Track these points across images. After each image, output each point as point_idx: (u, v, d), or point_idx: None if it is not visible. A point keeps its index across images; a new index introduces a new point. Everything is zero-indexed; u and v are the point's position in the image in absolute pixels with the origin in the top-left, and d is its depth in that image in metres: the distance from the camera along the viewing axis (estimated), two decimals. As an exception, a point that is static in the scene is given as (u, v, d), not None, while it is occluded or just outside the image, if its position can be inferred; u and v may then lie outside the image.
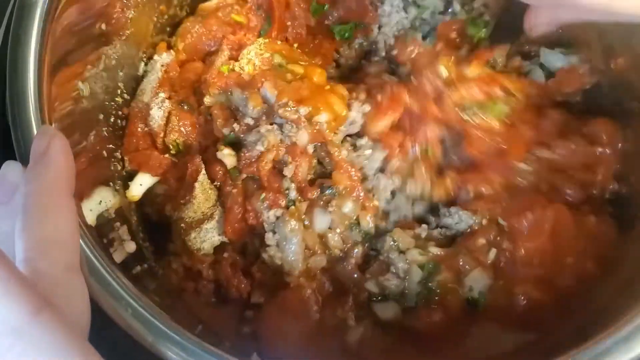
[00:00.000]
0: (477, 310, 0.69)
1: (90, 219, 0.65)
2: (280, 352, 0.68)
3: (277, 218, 0.72)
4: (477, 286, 0.69)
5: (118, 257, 0.66)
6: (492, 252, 0.70)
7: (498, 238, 0.71)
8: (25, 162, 0.52)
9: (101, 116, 0.75)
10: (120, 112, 0.80)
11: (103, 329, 0.49)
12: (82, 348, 0.39)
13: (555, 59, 0.83)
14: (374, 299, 0.72)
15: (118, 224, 0.71)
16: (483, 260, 0.70)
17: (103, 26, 0.73)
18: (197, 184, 0.75)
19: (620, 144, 0.75)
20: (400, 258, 0.71)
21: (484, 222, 0.72)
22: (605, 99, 0.79)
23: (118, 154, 0.79)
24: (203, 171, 0.76)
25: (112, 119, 0.78)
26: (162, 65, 0.83)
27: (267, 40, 0.84)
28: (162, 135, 0.80)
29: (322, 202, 0.73)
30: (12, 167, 0.52)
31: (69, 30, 0.66)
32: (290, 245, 0.71)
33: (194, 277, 0.75)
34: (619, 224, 0.72)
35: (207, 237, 0.75)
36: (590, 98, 0.81)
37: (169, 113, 0.80)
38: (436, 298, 0.69)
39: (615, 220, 0.72)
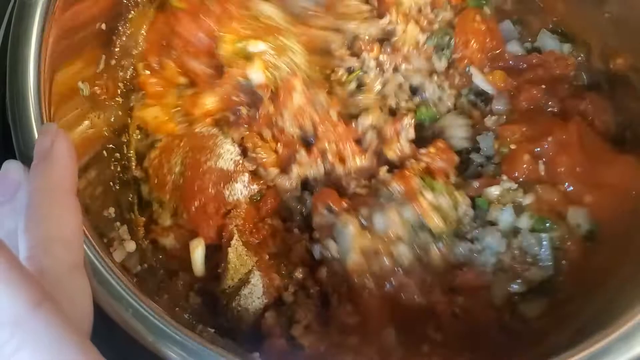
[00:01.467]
0: (595, 241, 0.69)
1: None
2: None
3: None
4: (582, 219, 0.69)
5: (118, 256, 0.66)
6: (541, 165, 0.72)
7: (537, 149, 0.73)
8: (25, 161, 0.52)
9: (101, 116, 0.75)
10: (120, 112, 0.80)
11: (103, 328, 0.49)
12: (81, 343, 0.38)
13: (549, 42, 0.85)
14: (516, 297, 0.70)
15: (118, 223, 0.71)
16: (538, 174, 0.72)
17: (103, 26, 0.73)
18: (230, 249, 0.73)
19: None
20: (532, 235, 0.70)
21: (513, 147, 0.74)
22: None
23: (118, 155, 0.79)
24: (236, 236, 0.74)
25: (112, 119, 0.78)
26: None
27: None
28: (229, 208, 0.77)
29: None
30: (13, 166, 0.52)
31: (69, 30, 0.66)
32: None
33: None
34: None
35: (248, 304, 0.72)
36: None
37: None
38: (563, 261, 0.69)
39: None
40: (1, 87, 0.58)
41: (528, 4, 0.89)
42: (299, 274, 0.74)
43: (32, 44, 0.59)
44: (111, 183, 0.76)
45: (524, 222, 0.71)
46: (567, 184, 0.71)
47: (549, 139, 0.72)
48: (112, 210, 0.71)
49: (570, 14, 0.84)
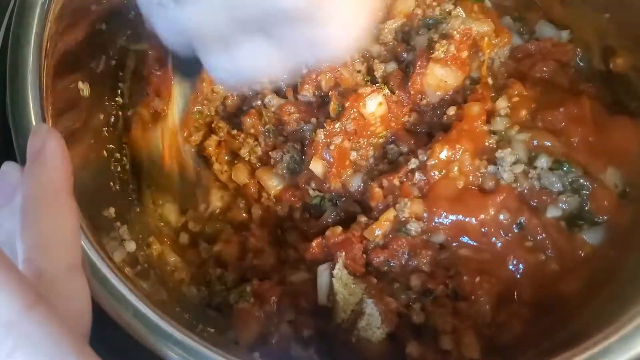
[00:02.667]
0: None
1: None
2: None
3: None
4: (618, 179, 0.71)
5: (118, 256, 0.66)
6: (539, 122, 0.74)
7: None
8: (25, 161, 0.52)
9: (101, 116, 0.75)
10: (120, 113, 0.80)
11: (103, 328, 0.49)
12: (77, 345, 0.38)
13: (547, 30, 0.86)
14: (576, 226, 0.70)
15: (118, 223, 0.71)
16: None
17: (103, 26, 0.73)
18: (334, 280, 0.68)
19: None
20: (552, 174, 0.71)
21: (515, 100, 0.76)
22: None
23: (118, 155, 0.79)
24: (339, 265, 0.69)
25: (112, 119, 0.78)
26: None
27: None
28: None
29: None
30: (11, 168, 0.52)
31: (69, 31, 0.66)
32: None
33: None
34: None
35: (369, 336, 0.66)
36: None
37: None
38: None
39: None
40: (1, 88, 0.58)
41: (527, 2, 0.89)
42: (415, 280, 0.69)
43: (32, 44, 0.59)
44: (111, 183, 0.76)
45: (542, 162, 0.71)
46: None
47: (561, 109, 0.74)
48: (112, 210, 0.71)
49: (570, 13, 0.84)
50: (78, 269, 0.46)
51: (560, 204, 0.70)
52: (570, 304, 0.67)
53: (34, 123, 0.57)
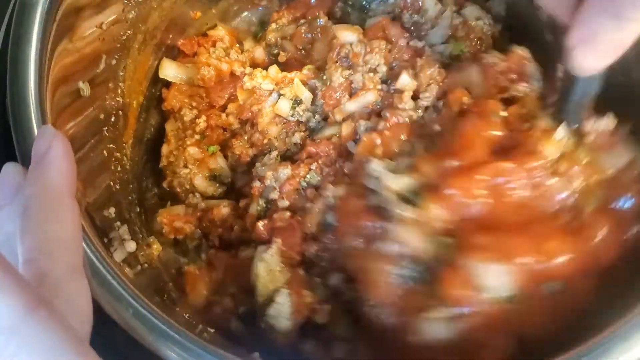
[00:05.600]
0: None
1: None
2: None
3: None
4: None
5: (118, 256, 0.66)
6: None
7: None
8: (26, 162, 0.52)
9: (102, 116, 0.75)
10: (120, 112, 0.80)
11: (103, 328, 0.49)
12: (79, 348, 0.38)
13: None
14: None
15: (118, 223, 0.71)
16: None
17: (104, 26, 0.73)
18: (260, 263, 0.68)
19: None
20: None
21: None
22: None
23: (118, 155, 0.79)
24: (271, 250, 0.69)
25: (112, 119, 0.78)
26: None
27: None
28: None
29: None
30: (12, 169, 0.52)
31: (70, 30, 0.66)
32: None
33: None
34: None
35: (276, 324, 0.67)
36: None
37: None
38: None
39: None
40: (1, 88, 0.58)
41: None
42: (334, 279, 0.69)
43: (32, 44, 0.59)
44: (111, 183, 0.76)
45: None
46: None
47: None
48: (112, 210, 0.71)
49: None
50: (80, 271, 0.46)
51: None
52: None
53: (34, 123, 0.56)
